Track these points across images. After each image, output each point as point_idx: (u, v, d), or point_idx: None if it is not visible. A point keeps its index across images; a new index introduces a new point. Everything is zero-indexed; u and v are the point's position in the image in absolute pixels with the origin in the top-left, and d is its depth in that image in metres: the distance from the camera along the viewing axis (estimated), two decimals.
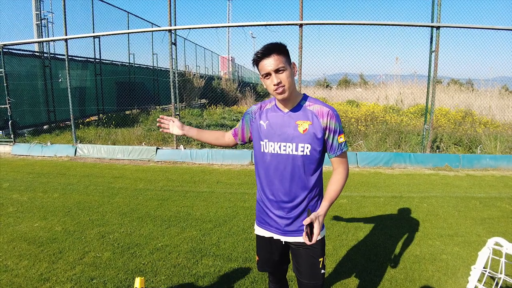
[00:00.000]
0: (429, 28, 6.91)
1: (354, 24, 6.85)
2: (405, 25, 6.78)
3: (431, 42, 6.95)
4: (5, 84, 9.11)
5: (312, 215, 1.49)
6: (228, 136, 2.01)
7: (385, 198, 4.87)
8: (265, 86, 1.64)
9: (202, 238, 3.61)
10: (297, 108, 1.68)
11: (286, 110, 1.69)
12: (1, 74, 9.14)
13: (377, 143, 7.49)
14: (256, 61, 1.58)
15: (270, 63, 1.53)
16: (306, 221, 1.47)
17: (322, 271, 1.78)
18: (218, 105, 14.87)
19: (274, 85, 1.56)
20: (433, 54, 6.87)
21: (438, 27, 6.72)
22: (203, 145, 7.94)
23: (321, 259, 1.77)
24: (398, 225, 3.94)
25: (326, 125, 1.63)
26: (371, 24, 6.84)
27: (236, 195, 5.06)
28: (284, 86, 1.56)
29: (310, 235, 1.47)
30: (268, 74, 1.56)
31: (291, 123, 1.66)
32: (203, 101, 17.80)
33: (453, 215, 4.25)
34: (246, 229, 3.76)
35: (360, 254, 3.25)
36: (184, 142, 8.08)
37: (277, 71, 1.54)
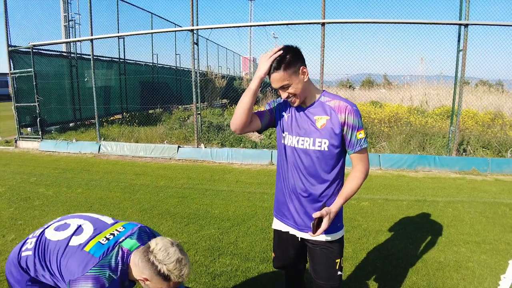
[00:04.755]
0: (457, 26, 6.67)
1: (378, 22, 6.70)
2: (431, 23, 6.57)
3: (458, 41, 6.70)
4: (34, 83, 9.48)
5: (324, 210, 1.51)
6: (254, 116, 1.76)
7: (408, 202, 4.74)
8: None
9: (220, 236, 3.62)
10: (316, 103, 1.68)
11: (306, 106, 1.69)
12: (30, 73, 9.51)
13: (401, 145, 7.30)
14: (268, 75, 1.60)
15: (274, 80, 1.56)
16: (316, 215, 1.49)
17: (339, 272, 1.75)
18: None
19: (284, 98, 1.64)
20: (461, 53, 6.63)
21: (466, 25, 6.47)
22: (223, 144, 7.98)
23: (338, 260, 1.74)
24: (421, 230, 3.81)
25: (344, 120, 1.60)
26: (395, 23, 6.67)
27: (255, 194, 5.05)
28: (293, 96, 1.61)
29: (316, 228, 1.49)
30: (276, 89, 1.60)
31: (309, 118, 1.66)
32: (224, 101, 17.92)
33: (481, 221, 4.08)
34: (264, 229, 3.74)
35: (381, 258, 3.16)
36: (205, 141, 8.15)
37: (281, 88, 1.58)
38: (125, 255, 1.49)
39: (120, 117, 12.72)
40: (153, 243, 1.46)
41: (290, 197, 1.75)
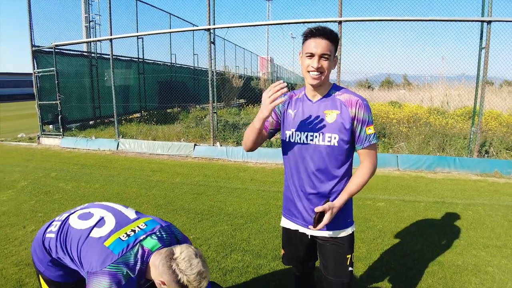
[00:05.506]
0: (479, 23, 6.47)
1: (396, 20, 6.57)
2: (452, 20, 6.39)
3: (481, 38, 6.49)
4: (56, 82, 9.77)
5: (326, 205, 1.48)
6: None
7: (426, 203, 4.62)
8: (300, 64, 1.60)
9: (233, 233, 3.63)
10: (326, 97, 1.63)
11: (315, 100, 1.64)
12: (53, 72, 9.81)
13: (420, 146, 7.13)
14: (307, 36, 1.54)
15: (319, 45, 1.49)
16: (318, 209, 1.47)
17: (350, 268, 1.71)
18: (255, 104, 14.95)
19: (313, 67, 1.52)
20: (483, 51, 6.42)
21: (489, 22, 6.25)
22: (238, 142, 8.01)
23: (348, 256, 1.70)
24: (438, 232, 3.71)
25: (355, 115, 1.56)
26: (414, 20, 6.52)
27: (269, 193, 5.04)
28: (321, 73, 1.53)
29: (316, 222, 1.48)
30: (311, 55, 1.51)
31: (319, 113, 1.61)
32: (241, 101, 17.98)
33: (502, 225, 3.93)
34: (277, 227, 3.73)
35: (396, 260, 3.10)
36: (221, 139, 8.20)
37: (322, 56, 1.50)
38: (146, 255, 1.50)
39: (139, 115, 12.96)
40: (177, 250, 1.45)
41: (298, 195, 1.72)
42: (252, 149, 1.77)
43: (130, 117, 12.59)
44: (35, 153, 8.55)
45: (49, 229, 1.66)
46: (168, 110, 13.39)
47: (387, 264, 3.02)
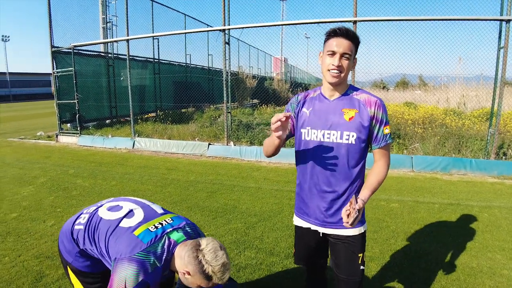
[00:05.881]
0: (497, 23, 6.35)
1: (411, 20, 6.51)
2: (469, 20, 6.29)
3: (499, 38, 6.38)
4: (74, 81, 10.03)
5: (360, 201, 1.49)
6: None
7: (440, 205, 4.58)
8: (320, 63, 1.63)
9: (247, 230, 3.68)
10: (343, 96, 1.66)
11: (333, 98, 1.67)
12: (71, 72, 10.07)
13: (435, 147, 7.04)
14: (329, 35, 1.58)
15: (341, 44, 1.53)
16: (359, 205, 1.47)
17: (362, 267, 1.73)
18: (269, 105, 14.98)
19: (334, 66, 1.55)
20: (501, 51, 6.30)
21: (508, 21, 6.14)
22: (252, 142, 8.06)
23: (360, 255, 1.72)
24: (453, 234, 3.67)
25: (374, 115, 1.59)
26: (430, 20, 6.45)
27: (282, 192, 5.08)
28: (341, 72, 1.56)
29: (348, 218, 1.46)
30: (333, 53, 1.55)
31: (336, 111, 1.63)
32: (255, 101, 18.03)
33: None
34: (290, 226, 3.76)
35: (409, 260, 3.09)
36: (234, 139, 8.26)
37: (343, 55, 1.54)
38: (171, 246, 1.57)
39: (154, 115, 13.14)
40: (204, 242, 1.52)
41: (312, 193, 1.73)
42: (273, 155, 1.80)
43: (146, 116, 12.79)
44: (54, 150, 8.79)
45: (77, 221, 1.73)
46: (183, 110, 13.55)
47: (400, 264, 3.02)
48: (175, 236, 1.61)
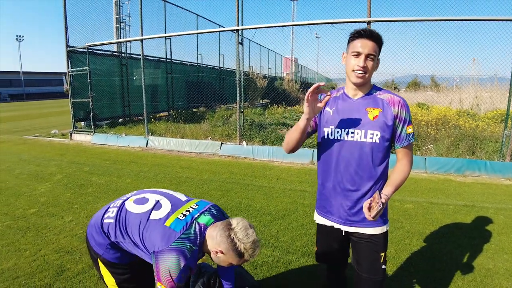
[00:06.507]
0: None
1: (425, 20, 6.47)
2: (484, 20, 6.23)
3: None
4: (88, 81, 10.21)
5: (384, 196, 1.54)
6: None
7: (455, 206, 4.57)
8: (344, 63, 1.68)
9: (262, 229, 3.73)
10: (367, 96, 1.69)
11: (356, 98, 1.70)
12: (85, 72, 10.25)
13: (448, 149, 7.00)
14: (354, 36, 1.62)
15: (366, 45, 1.58)
16: (383, 199, 1.51)
17: (383, 266, 1.75)
18: (279, 105, 15.00)
19: (359, 66, 1.59)
20: None
21: None
22: (264, 142, 8.11)
23: (382, 254, 1.74)
24: (468, 235, 3.67)
25: (397, 114, 1.63)
26: (443, 20, 6.41)
27: (296, 192, 5.11)
28: (365, 72, 1.60)
29: (370, 211, 1.50)
30: (358, 54, 1.59)
31: (360, 110, 1.67)
32: (265, 101, 18.07)
33: None
34: (305, 225, 3.80)
35: (424, 260, 3.11)
36: (247, 138, 8.32)
37: (368, 56, 1.58)
38: (202, 229, 1.66)
39: (167, 114, 13.28)
40: (234, 221, 1.62)
41: (335, 191, 1.74)
42: (294, 149, 1.82)
43: (159, 115, 12.94)
44: (68, 148, 8.97)
45: (106, 215, 1.81)
46: (194, 110, 13.66)
47: (415, 264, 3.04)
48: (203, 219, 1.70)
